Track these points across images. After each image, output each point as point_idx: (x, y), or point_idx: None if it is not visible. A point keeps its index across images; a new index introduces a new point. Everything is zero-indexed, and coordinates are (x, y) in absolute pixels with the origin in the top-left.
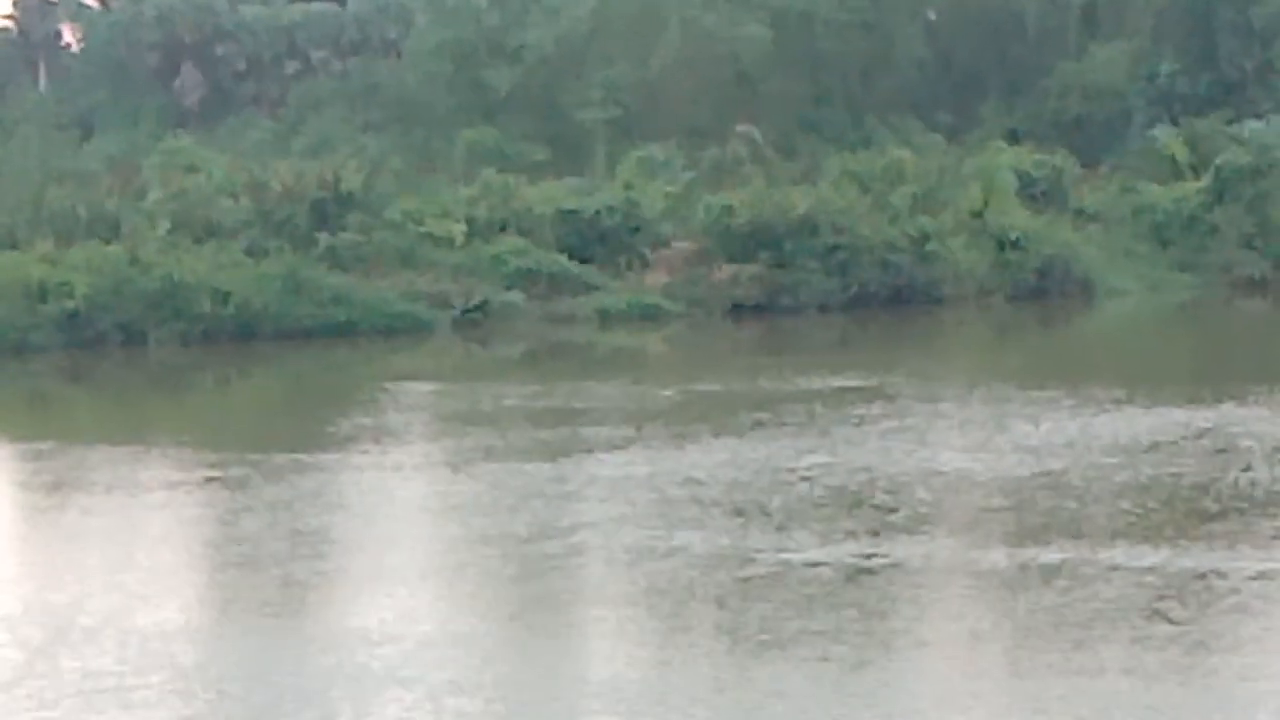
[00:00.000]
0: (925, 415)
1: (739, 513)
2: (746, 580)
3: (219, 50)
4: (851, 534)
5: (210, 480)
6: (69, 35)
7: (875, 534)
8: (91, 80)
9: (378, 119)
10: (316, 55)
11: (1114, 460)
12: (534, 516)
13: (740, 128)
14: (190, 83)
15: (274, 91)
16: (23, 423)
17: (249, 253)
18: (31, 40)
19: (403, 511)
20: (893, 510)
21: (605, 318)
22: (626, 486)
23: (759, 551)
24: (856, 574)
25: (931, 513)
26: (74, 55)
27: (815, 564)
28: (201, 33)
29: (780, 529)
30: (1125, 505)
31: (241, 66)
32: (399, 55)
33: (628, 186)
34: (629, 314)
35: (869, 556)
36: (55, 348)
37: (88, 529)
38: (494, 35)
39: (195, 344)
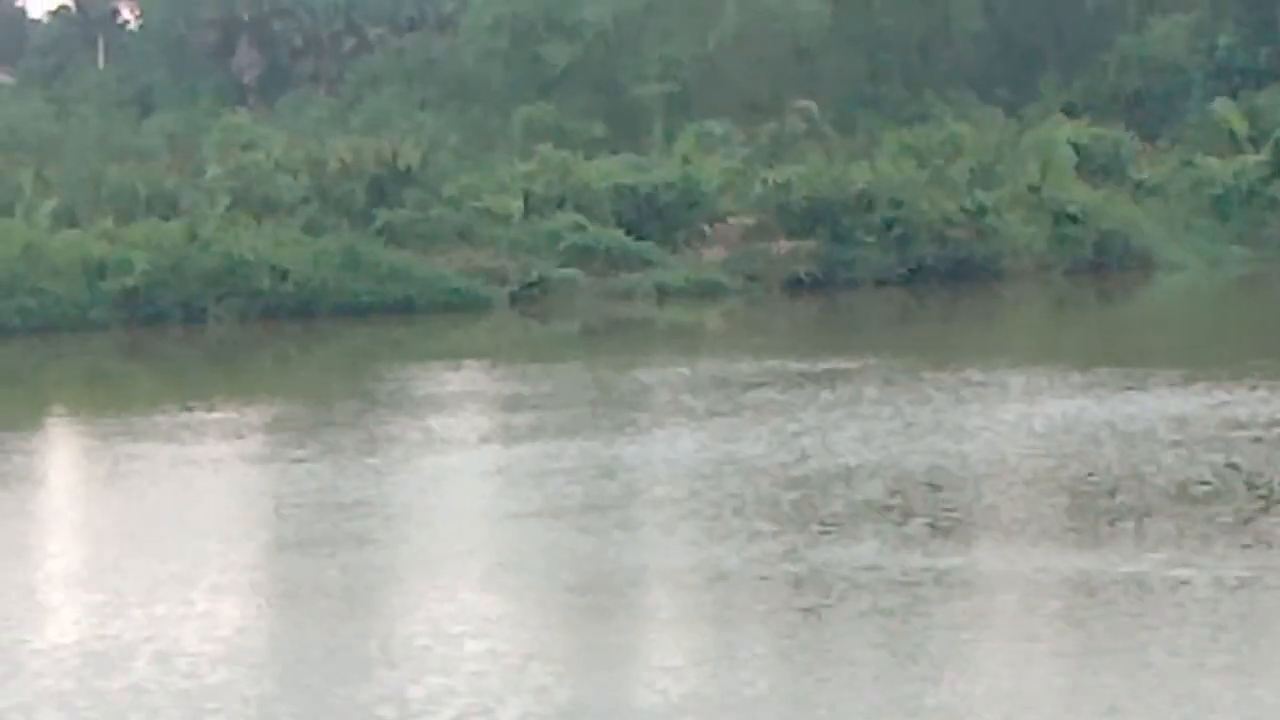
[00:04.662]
0: (948, 397)
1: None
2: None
3: (277, 27)
4: (771, 535)
5: (267, 460)
6: (127, 13)
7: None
8: (150, 58)
9: (435, 95)
10: (374, 32)
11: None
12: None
13: (798, 103)
14: (248, 60)
15: (331, 68)
16: (82, 400)
17: (307, 229)
18: (91, 18)
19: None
20: (815, 508)
21: (663, 293)
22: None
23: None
24: (720, 579)
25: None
26: (133, 33)
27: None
28: (259, 10)
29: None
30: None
31: (299, 43)
32: (456, 31)
33: (685, 162)
34: (687, 290)
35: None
36: (115, 325)
37: (143, 508)
38: (551, 11)
39: (254, 321)
